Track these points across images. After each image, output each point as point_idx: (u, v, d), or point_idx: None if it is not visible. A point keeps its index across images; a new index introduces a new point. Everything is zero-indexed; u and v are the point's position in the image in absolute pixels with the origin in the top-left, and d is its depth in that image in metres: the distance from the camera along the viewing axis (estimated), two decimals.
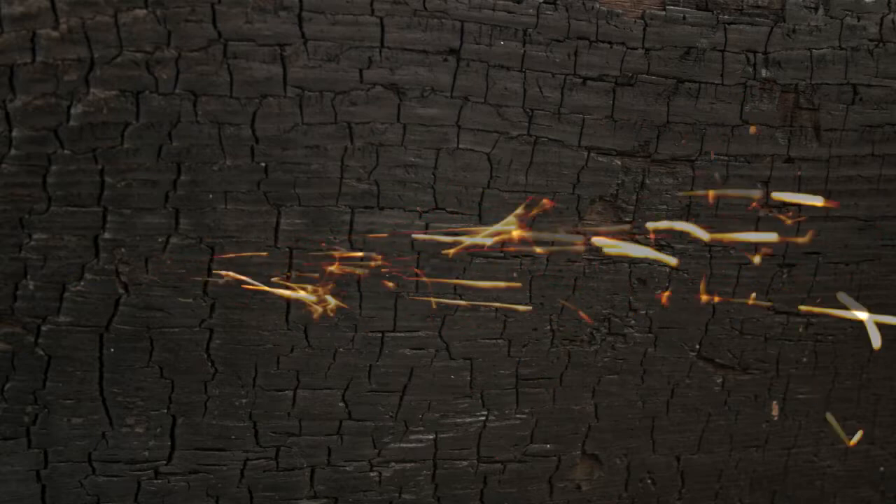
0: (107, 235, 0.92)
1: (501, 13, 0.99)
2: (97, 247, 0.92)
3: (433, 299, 1.00)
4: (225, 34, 0.91)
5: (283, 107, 0.94)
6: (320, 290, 0.97)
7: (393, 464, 1.08)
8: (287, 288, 0.96)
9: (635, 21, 1.04)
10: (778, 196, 1.09)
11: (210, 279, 0.96)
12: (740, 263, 1.13)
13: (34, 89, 0.86)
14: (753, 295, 1.12)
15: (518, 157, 1.03)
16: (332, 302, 0.98)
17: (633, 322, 1.12)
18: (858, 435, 1.21)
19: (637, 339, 1.12)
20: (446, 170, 1.01)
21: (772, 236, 1.06)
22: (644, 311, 1.12)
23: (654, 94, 1.06)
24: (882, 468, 1.27)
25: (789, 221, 1.12)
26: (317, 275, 0.97)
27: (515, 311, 1.04)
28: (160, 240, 0.94)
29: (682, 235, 1.10)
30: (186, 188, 0.93)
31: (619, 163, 1.06)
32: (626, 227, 1.03)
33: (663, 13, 1.04)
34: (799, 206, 1.13)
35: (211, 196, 0.94)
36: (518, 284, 1.05)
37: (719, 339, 1.15)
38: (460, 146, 1.01)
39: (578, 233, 1.04)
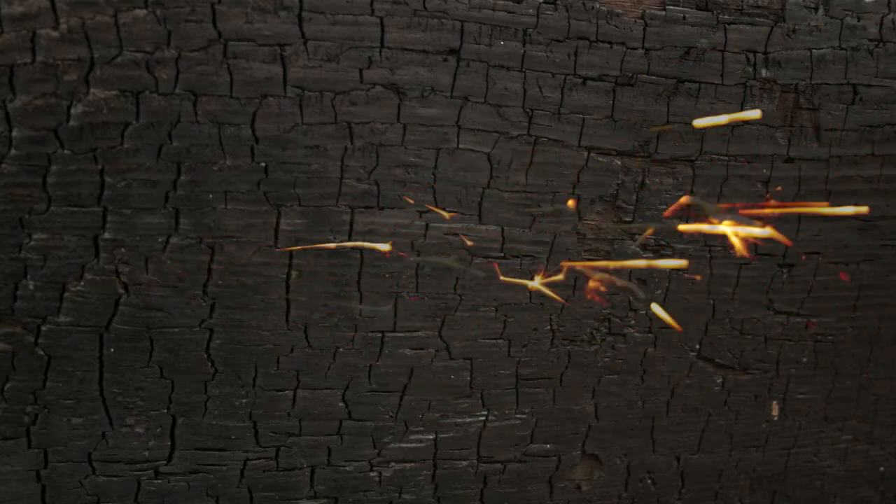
0: (107, 235, 0.92)
1: (501, 13, 0.99)
2: (97, 247, 0.92)
3: None
4: (225, 34, 0.91)
5: (283, 107, 0.94)
6: None
7: (393, 464, 1.08)
8: None
9: (635, 21, 1.04)
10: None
11: (210, 279, 0.96)
12: (740, 263, 1.13)
13: (34, 89, 0.86)
14: None
15: (518, 157, 1.03)
16: None
17: (633, 322, 1.12)
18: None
19: (637, 339, 1.12)
20: (446, 170, 1.01)
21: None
22: (644, 311, 1.11)
23: (654, 94, 1.06)
24: (882, 468, 1.27)
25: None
26: None
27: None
28: (160, 240, 0.94)
29: (682, 234, 1.10)
30: (186, 188, 0.93)
31: (619, 163, 1.06)
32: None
33: (663, 13, 1.04)
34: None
35: (211, 196, 0.94)
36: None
37: (719, 339, 1.15)
38: (460, 146, 1.01)
39: None
